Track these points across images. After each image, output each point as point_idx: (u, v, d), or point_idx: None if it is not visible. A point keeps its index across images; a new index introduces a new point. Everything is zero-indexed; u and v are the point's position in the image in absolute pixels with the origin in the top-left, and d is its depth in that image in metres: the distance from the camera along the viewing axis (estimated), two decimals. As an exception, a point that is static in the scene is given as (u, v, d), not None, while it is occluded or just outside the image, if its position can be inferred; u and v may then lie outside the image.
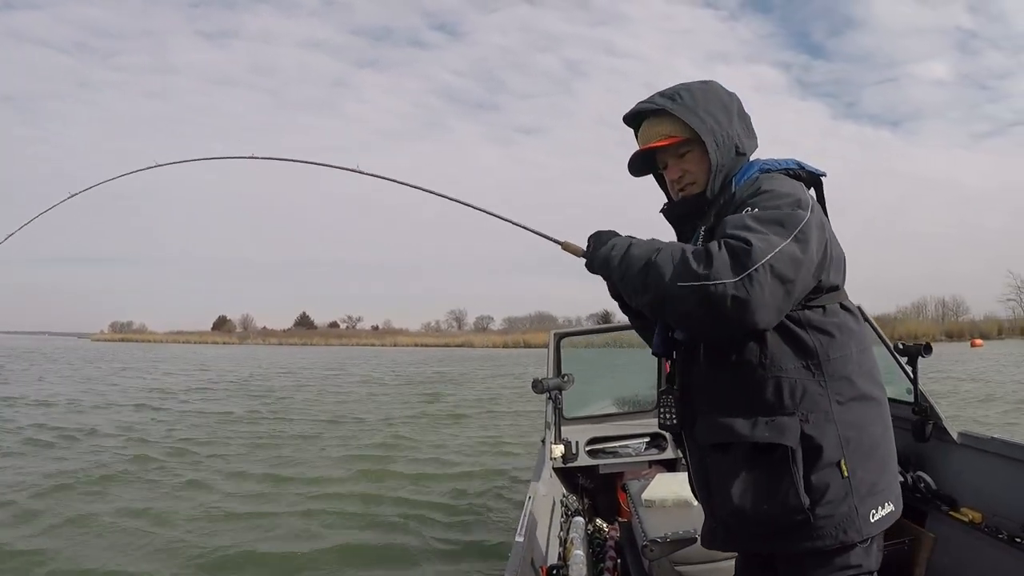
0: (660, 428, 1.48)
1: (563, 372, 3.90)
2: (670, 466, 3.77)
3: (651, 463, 3.87)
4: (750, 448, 1.28)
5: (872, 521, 1.27)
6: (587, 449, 3.92)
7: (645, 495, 2.80)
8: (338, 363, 30.79)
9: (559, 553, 2.71)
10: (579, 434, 3.90)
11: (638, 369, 4.63)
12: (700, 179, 1.41)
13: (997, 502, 2.28)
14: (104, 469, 7.16)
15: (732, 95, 1.46)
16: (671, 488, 2.80)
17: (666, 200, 1.53)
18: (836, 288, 1.35)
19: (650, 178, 1.55)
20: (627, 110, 1.47)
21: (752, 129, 1.47)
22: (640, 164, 1.50)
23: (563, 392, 3.62)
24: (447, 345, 65.25)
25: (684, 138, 1.40)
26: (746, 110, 1.47)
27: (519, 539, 2.16)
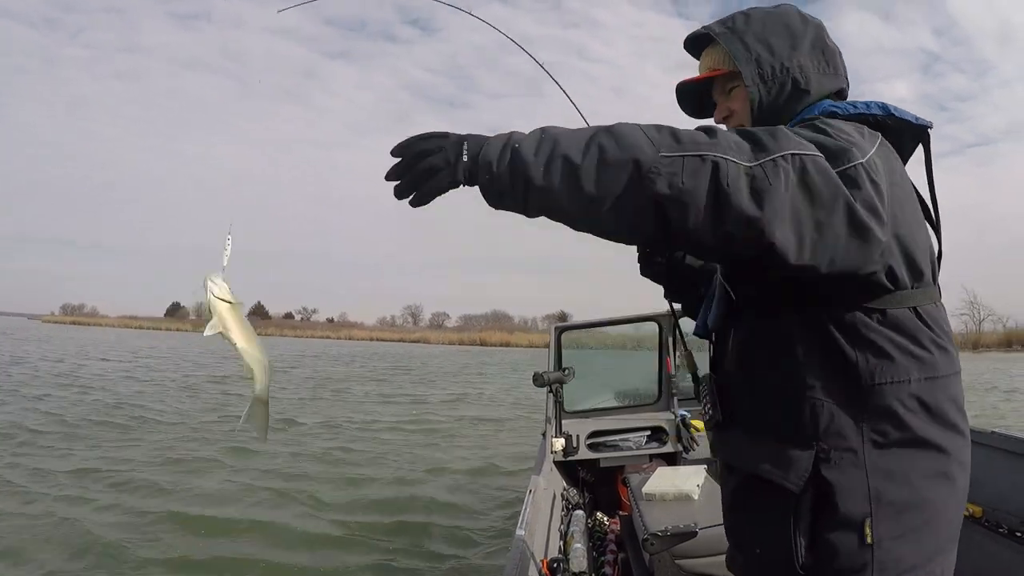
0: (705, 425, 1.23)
1: (564, 366, 3.90)
2: (671, 460, 3.78)
3: (652, 457, 3.87)
4: (752, 478, 1.03)
5: None
6: (588, 443, 3.92)
7: (646, 489, 2.80)
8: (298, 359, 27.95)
9: (560, 546, 2.72)
10: (580, 428, 3.91)
11: (638, 363, 4.64)
12: (746, 120, 1.12)
13: (997, 496, 2.29)
14: None
15: (810, 22, 1.13)
16: (672, 482, 2.80)
17: None
18: (909, 287, 0.98)
19: None
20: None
21: (835, 65, 1.12)
22: (696, 103, 1.23)
23: (564, 386, 3.62)
24: (402, 340, 65.02)
25: (728, 70, 1.12)
26: (833, 43, 1.14)
27: (520, 532, 2.17)
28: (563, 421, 3.81)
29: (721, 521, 1.24)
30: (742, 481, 1.07)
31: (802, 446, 0.97)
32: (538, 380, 3.49)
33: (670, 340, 4.18)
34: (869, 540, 0.93)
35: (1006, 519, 2.21)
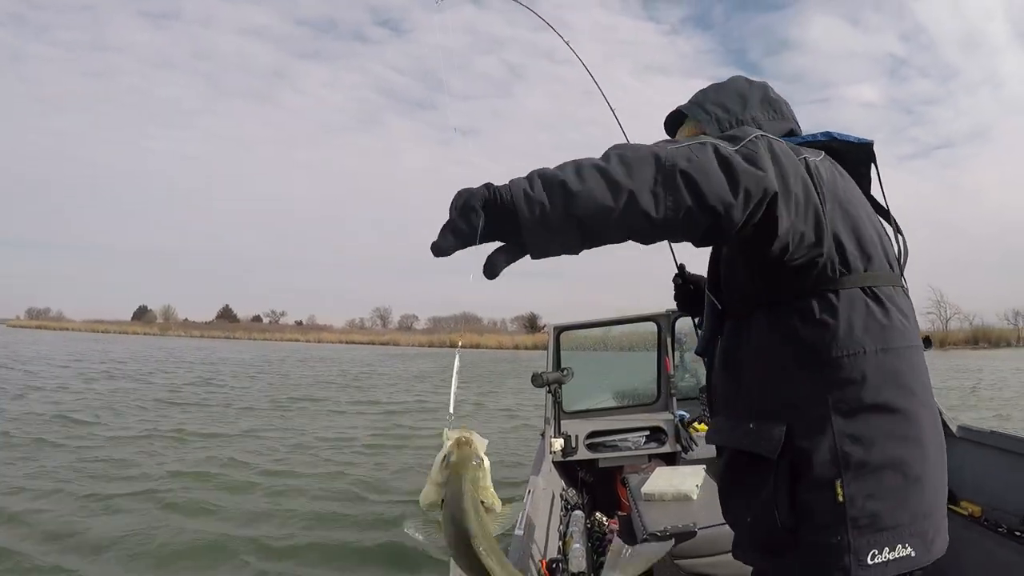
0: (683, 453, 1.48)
1: (562, 366, 3.90)
2: (669, 460, 3.78)
3: (650, 457, 3.87)
4: (737, 454, 1.19)
5: (870, 563, 1.03)
6: (587, 443, 3.92)
7: (645, 489, 2.80)
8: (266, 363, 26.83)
9: (559, 546, 2.72)
10: (579, 428, 3.91)
11: (638, 363, 4.64)
12: None
13: (996, 496, 2.29)
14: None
15: (755, 84, 1.37)
16: (671, 482, 2.80)
17: None
18: (861, 270, 1.12)
19: None
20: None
21: (782, 111, 1.34)
22: None
23: (563, 386, 3.62)
24: (372, 343, 64.38)
25: (701, 131, 1.31)
26: (777, 95, 1.36)
27: (518, 532, 2.17)
28: (562, 421, 3.81)
29: (721, 521, 1.26)
30: (728, 459, 1.22)
31: (775, 420, 1.12)
32: (537, 381, 3.49)
33: (668, 340, 4.18)
34: (840, 499, 1.04)
35: (1005, 518, 2.21)
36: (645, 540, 2.29)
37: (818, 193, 1.09)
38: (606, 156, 0.93)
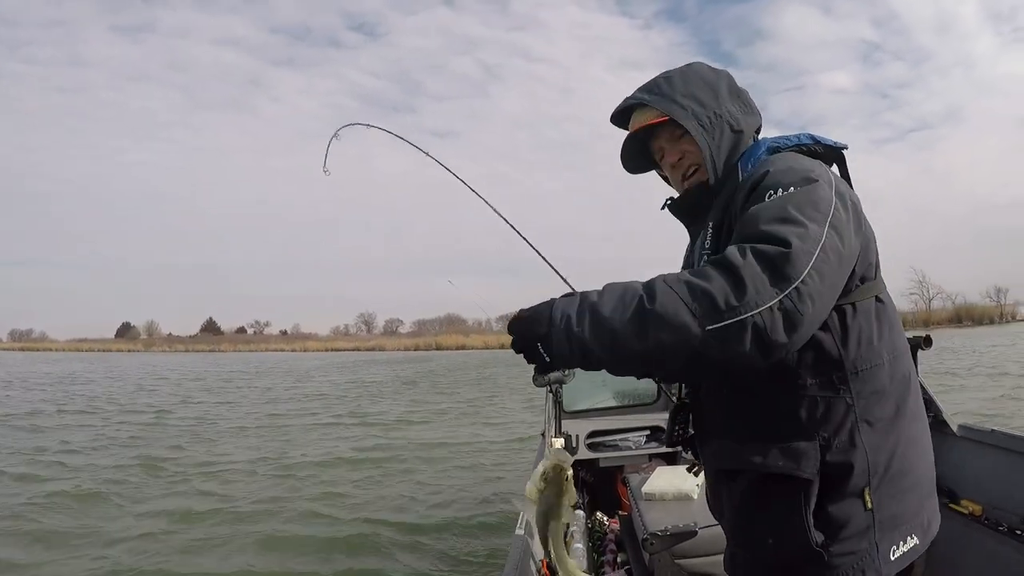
0: (669, 445, 1.35)
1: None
2: (670, 459, 3.78)
3: (651, 456, 3.87)
4: (761, 477, 1.10)
5: (893, 559, 1.07)
6: (587, 442, 3.92)
7: (645, 488, 2.80)
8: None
9: None
10: (579, 427, 3.90)
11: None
12: (702, 162, 1.23)
13: (997, 494, 2.29)
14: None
15: (719, 73, 1.29)
16: (671, 482, 2.80)
17: (669, 197, 1.35)
18: (870, 279, 1.11)
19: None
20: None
21: (751, 105, 1.28)
22: (635, 158, 1.34)
23: (563, 385, 3.61)
24: (357, 349, 64.36)
25: (670, 118, 1.23)
26: (739, 85, 1.30)
27: (519, 532, 2.17)
28: (563, 421, 3.81)
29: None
30: (752, 483, 1.12)
31: (807, 438, 1.06)
32: (537, 380, 3.49)
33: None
34: (869, 505, 1.05)
35: (1006, 517, 2.21)
36: (645, 539, 2.29)
37: (855, 210, 1.08)
38: (647, 305, 0.91)
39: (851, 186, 1.18)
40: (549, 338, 0.96)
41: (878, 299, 1.12)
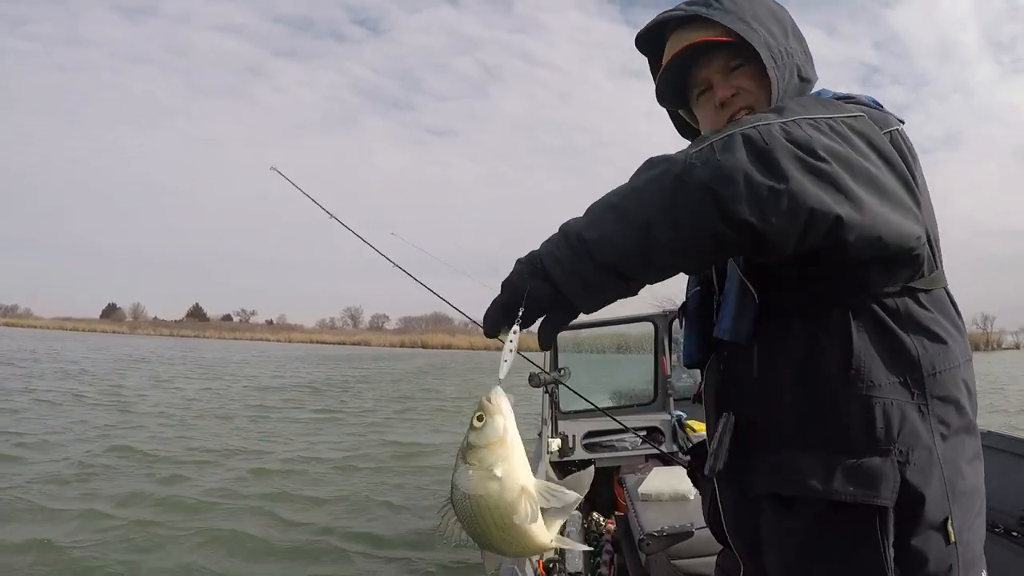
0: (698, 474, 1.12)
1: (560, 366, 3.89)
2: (667, 460, 3.77)
3: (647, 457, 3.87)
4: (829, 507, 0.89)
5: None
6: (584, 443, 3.91)
7: (642, 489, 2.80)
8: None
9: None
10: (576, 428, 3.90)
11: (636, 363, 4.63)
12: (761, 103, 1.00)
13: (993, 496, 2.28)
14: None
15: (784, 8, 1.07)
16: (668, 482, 2.80)
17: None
18: (941, 266, 0.95)
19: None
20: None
21: (809, 53, 1.07)
22: (673, 87, 1.08)
23: (560, 386, 3.61)
24: (343, 343, 64.18)
25: (734, 40, 0.99)
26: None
27: None
28: (559, 422, 3.80)
29: None
30: (815, 519, 0.90)
31: (880, 454, 0.87)
32: (534, 381, 3.48)
33: (665, 341, 4.18)
34: (952, 538, 0.87)
35: (1002, 519, 2.21)
36: (642, 540, 2.28)
37: (909, 169, 0.88)
38: (628, 182, 0.80)
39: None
40: (545, 269, 0.80)
41: (948, 294, 0.96)
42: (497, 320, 0.83)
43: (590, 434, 3.98)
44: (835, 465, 0.88)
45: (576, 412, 4.27)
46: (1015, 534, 2.15)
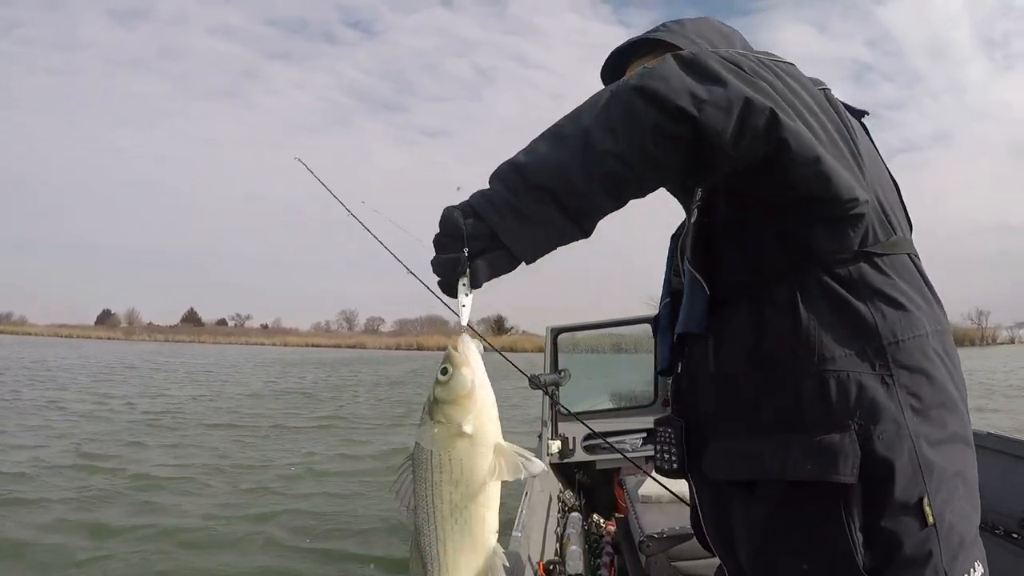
0: (657, 472, 1.15)
1: (560, 368, 3.89)
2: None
3: (648, 459, 3.87)
4: (788, 488, 0.87)
5: None
6: (584, 445, 3.91)
7: (642, 491, 2.80)
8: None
9: (556, 549, 2.71)
10: (576, 430, 3.89)
11: (635, 364, 4.63)
12: None
13: (993, 498, 2.29)
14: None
15: (735, 30, 1.16)
16: (668, 484, 2.79)
17: None
18: (903, 231, 0.93)
19: None
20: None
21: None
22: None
23: (560, 388, 3.61)
24: (338, 346, 64.11)
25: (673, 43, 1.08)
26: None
27: (516, 534, 2.16)
28: (559, 423, 3.80)
29: None
30: (777, 497, 0.89)
31: (837, 429, 0.84)
32: (534, 383, 3.48)
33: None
34: (930, 519, 0.82)
35: (1002, 521, 2.21)
36: (642, 542, 2.28)
37: (845, 126, 0.88)
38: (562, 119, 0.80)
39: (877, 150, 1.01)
40: (475, 209, 0.75)
41: (913, 261, 0.93)
42: (447, 266, 0.77)
43: (590, 436, 3.98)
44: (792, 444, 0.86)
45: (576, 414, 4.27)
46: (1015, 536, 2.15)
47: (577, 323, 4.53)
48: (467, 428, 0.73)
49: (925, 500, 0.82)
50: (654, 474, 1.41)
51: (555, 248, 0.80)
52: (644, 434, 3.99)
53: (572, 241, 0.80)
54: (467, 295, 0.77)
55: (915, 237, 0.99)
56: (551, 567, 2.33)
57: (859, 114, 1.02)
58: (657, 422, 1.12)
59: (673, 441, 1.05)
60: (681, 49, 0.96)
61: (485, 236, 0.75)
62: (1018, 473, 2.24)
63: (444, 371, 0.74)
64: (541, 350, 4.31)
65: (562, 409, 3.74)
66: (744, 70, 0.77)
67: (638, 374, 4.53)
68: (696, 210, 1.06)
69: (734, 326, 0.95)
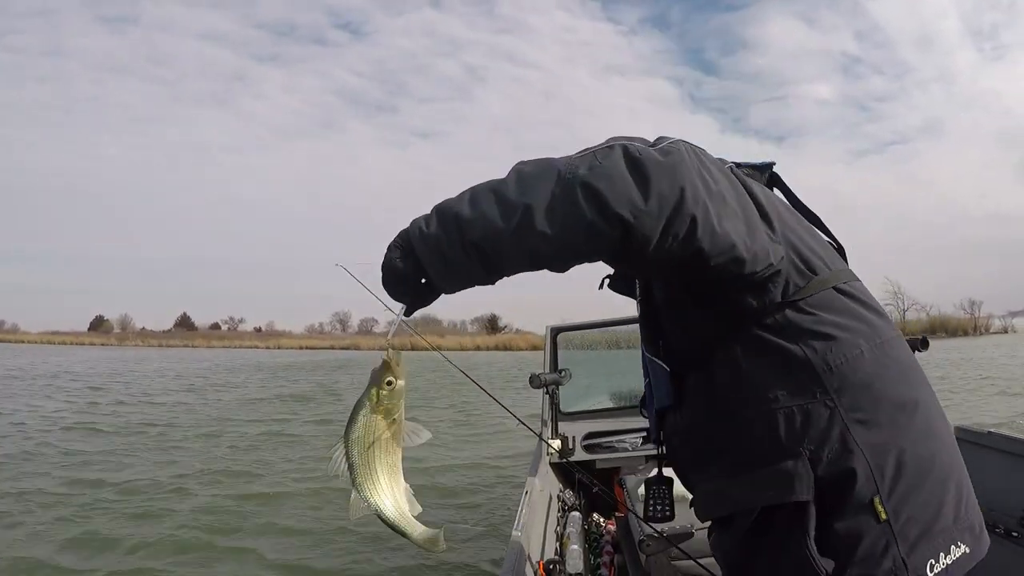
0: (651, 521, 1.33)
1: (560, 367, 3.89)
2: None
3: (648, 458, 3.87)
4: (758, 516, 1.00)
5: (931, 574, 0.94)
6: (584, 444, 3.91)
7: (642, 490, 2.79)
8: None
9: (556, 548, 2.71)
10: (576, 429, 3.89)
11: (636, 364, 4.62)
12: None
13: (994, 497, 2.29)
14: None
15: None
16: (668, 483, 2.79)
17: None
18: (823, 269, 1.05)
19: None
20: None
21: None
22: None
23: (560, 387, 3.61)
24: (332, 348, 63.76)
25: None
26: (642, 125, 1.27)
27: (516, 534, 2.16)
28: (559, 423, 3.80)
29: None
30: (748, 529, 1.01)
31: (791, 456, 0.96)
32: (534, 382, 3.48)
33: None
34: (883, 516, 0.93)
35: (1003, 519, 2.21)
36: (642, 541, 2.28)
37: (751, 194, 1.01)
38: (508, 175, 0.90)
39: (795, 197, 1.20)
40: (411, 245, 0.92)
41: (838, 290, 1.04)
42: (398, 294, 0.98)
43: (590, 435, 3.98)
44: (756, 478, 0.98)
45: (576, 413, 4.27)
46: (1015, 534, 2.15)
47: (577, 323, 4.53)
48: (395, 415, 1.01)
49: (876, 500, 0.93)
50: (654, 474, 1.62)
51: (470, 288, 0.96)
52: (644, 433, 3.99)
53: (482, 285, 0.95)
54: (405, 317, 1.04)
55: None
56: (551, 566, 2.33)
57: (766, 168, 1.20)
58: (647, 482, 1.32)
59: (667, 496, 1.29)
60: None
61: (412, 272, 0.93)
62: (1018, 472, 2.24)
63: (389, 382, 1.00)
64: (535, 348, 4.32)
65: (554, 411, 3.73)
66: (678, 170, 0.88)
67: (638, 374, 4.52)
68: (638, 302, 1.24)
69: (693, 392, 1.11)
